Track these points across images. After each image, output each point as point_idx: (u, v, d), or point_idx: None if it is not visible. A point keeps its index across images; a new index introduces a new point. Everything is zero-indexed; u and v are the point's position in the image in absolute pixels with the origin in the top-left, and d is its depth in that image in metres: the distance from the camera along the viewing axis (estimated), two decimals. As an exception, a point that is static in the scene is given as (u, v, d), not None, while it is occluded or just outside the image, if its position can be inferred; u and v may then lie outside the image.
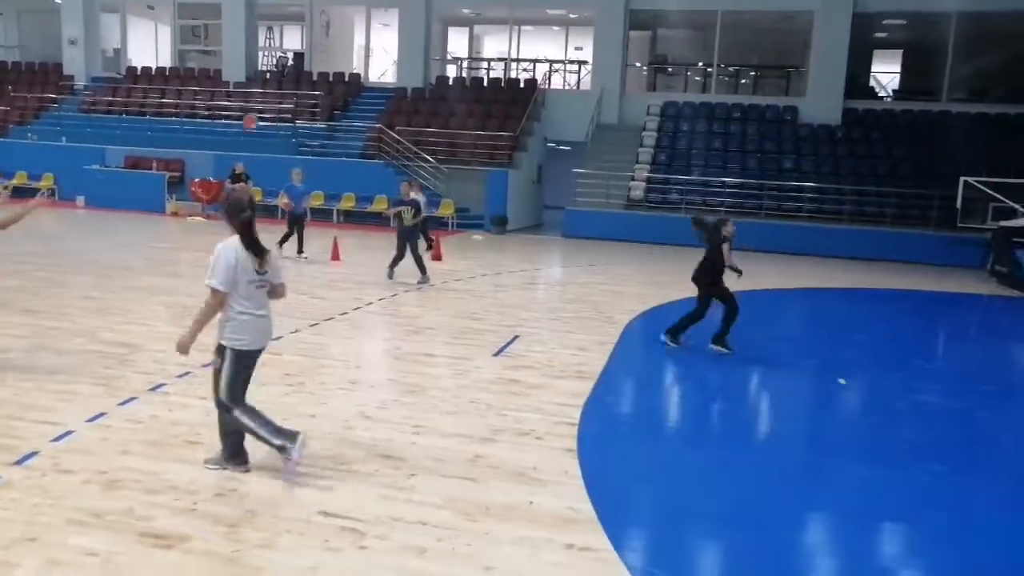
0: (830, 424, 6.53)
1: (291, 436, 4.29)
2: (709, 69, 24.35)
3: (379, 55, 28.59)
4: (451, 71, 27.63)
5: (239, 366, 4.34)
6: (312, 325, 8.35)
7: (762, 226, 19.17)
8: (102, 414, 5.24)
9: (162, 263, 12.24)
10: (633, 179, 20.70)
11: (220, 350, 4.37)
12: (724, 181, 20.12)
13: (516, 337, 8.33)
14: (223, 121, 23.48)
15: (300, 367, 6.69)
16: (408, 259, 11.25)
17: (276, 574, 3.38)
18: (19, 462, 4.38)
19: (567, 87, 26.08)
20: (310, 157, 21.91)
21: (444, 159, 21.16)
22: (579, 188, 20.90)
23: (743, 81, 25.49)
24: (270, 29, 29.53)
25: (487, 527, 3.94)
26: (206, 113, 23.95)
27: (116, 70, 27.82)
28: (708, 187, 20.13)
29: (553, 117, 23.97)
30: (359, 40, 28.07)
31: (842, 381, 7.27)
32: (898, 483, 4.96)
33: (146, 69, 27.19)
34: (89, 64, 27.35)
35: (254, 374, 4.56)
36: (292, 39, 29.29)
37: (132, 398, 5.60)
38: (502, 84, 24.72)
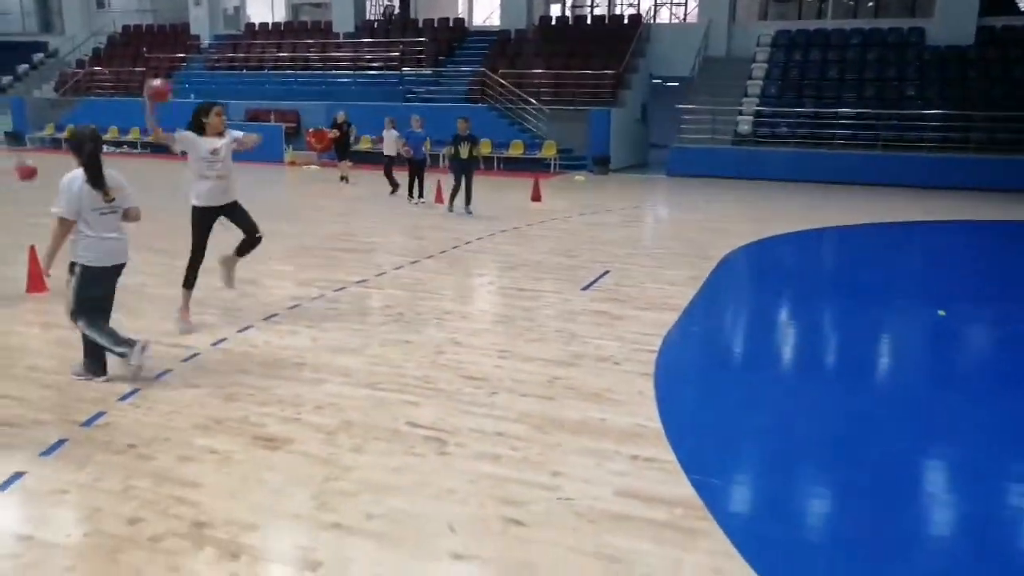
0: (923, 359, 6.39)
1: (130, 343, 4.78)
2: (826, -8, 22.96)
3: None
4: (555, 11, 27.33)
5: (85, 280, 4.78)
6: (412, 263, 8.83)
7: (879, 158, 18.25)
8: (223, 339, 5.88)
9: (278, 209, 13.06)
10: (741, 113, 20.04)
11: (71, 266, 4.86)
12: (837, 112, 19.13)
13: (607, 272, 8.51)
14: (334, 72, 24.31)
15: (398, 300, 7.16)
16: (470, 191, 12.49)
17: (365, 472, 3.81)
18: (157, 377, 5.03)
19: (674, 20, 25.29)
20: (416, 104, 22.46)
21: (547, 100, 21.16)
22: (684, 125, 20.46)
23: (867, 3, 23.86)
24: (377, -22, 30.04)
25: (558, 439, 4.24)
26: (318, 65, 24.85)
27: (236, 27, 29.18)
28: (820, 119, 19.22)
29: (659, 53, 23.40)
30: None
31: (942, 313, 7.04)
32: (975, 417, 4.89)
33: (263, 25, 28.40)
34: (213, 23, 28.84)
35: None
36: (398, -13, 29.68)
37: (249, 326, 6.22)
38: (605, 21, 24.26)
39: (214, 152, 5.83)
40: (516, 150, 20.81)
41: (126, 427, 4.29)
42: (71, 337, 5.30)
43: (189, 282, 6.08)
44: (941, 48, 20.24)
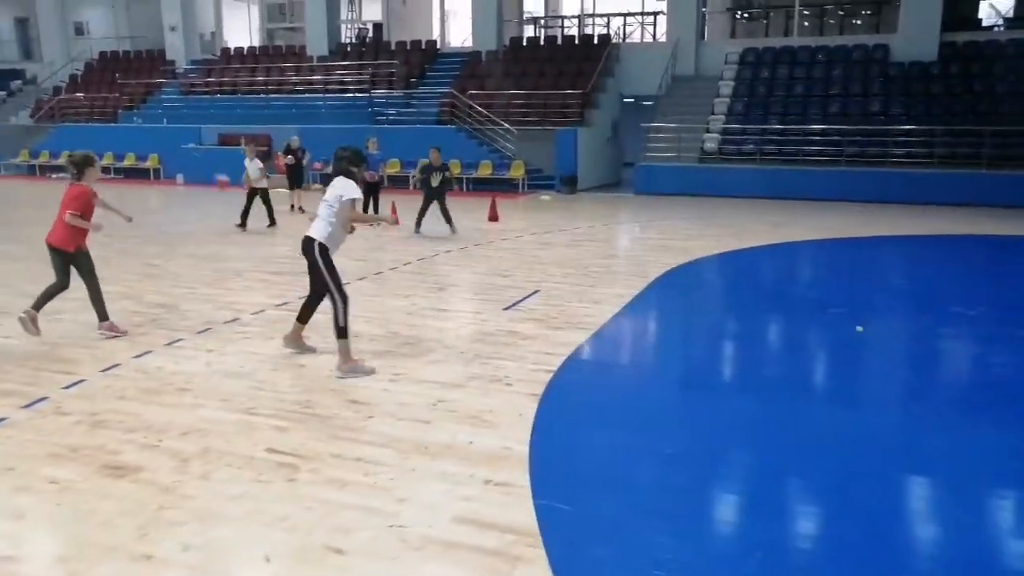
0: (835, 370, 6.30)
1: None
2: (792, 10, 23.11)
3: (461, 20, 28.80)
4: (529, 31, 27.50)
5: None
6: (344, 284, 8.73)
7: (844, 174, 18.27)
8: (116, 365, 5.78)
9: (229, 232, 13.00)
10: (708, 131, 20.08)
11: None
12: (803, 128, 19.18)
13: (536, 292, 8.43)
14: (305, 95, 24.39)
15: (312, 323, 7.04)
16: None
17: (201, 501, 3.71)
18: (27, 406, 4.93)
19: (646, 40, 25.45)
20: (386, 126, 22.52)
21: (516, 120, 21.20)
22: (650, 143, 20.51)
23: (830, 21, 24.05)
24: (352, 1, 30.21)
25: (417, 464, 4.14)
26: (290, 88, 24.93)
27: (212, 52, 29.31)
28: (786, 135, 19.26)
29: (629, 72, 23.49)
30: (440, 6, 28.34)
31: (860, 329, 6.97)
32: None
33: (239, 50, 28.52)
34: (188, 48, 28.96)
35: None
36: (373, 10, 29.85)
37: (147, 351, 6.13)
38: (576, 42, 24.39)
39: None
40: (485, 170, 20.82)
41: (-25, 458, 4.19)
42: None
43: (347, 331, 5.58)
44: (905, 64, 20.34)
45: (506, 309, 7.63)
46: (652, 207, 17.32)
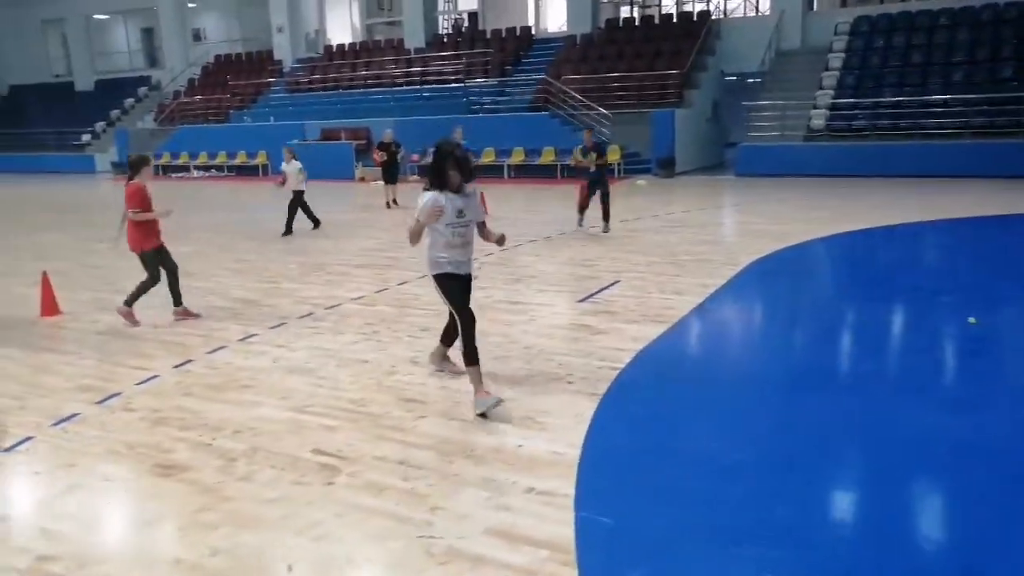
0: (936, 369, 5.67)
1: None
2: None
3: (559, 4, 28.39)
4: (626, 12, 26.81)
5: None
6: (422, 277, 8.71)
7: (967, 147, 16.78)
8: (189, 361, 5.92)
9: (324, 226, 13.29)
10: (815, 107, 18.92)
11: None
12: (922, 99, 17.74)
13: (616, 282, 8.11)
14: (401, 87, 24.71)
15: (384, 316, 7.06)
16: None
17: (239, 504, 3.68)
18: (100, 401, 5.09)
19: (748, 14, 24.27)
20: (480, 115, 22.52)
21: (611, 104, 20.70)
22: (753, 122, 19.54)
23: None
24: (449, -8, 30.39)
25: (460, 468, 3.97)
26: (389, 81, 25.33)
27: (316, 51, 30.21)
28: (902, 108, 17.88)
29: (730, 49, 22.51)
30: (534, -8, 28.09)
31: (973, 320, 6.27)
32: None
33: (340, 46, 29.26)
34: (295, 48, 29.97)
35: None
36: (470, 0, 29.89)
37: (222, 347, 6.25)
38: (673, 20, 23.56)
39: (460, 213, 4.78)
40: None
41: (42, 454, 4.34)
42: None
43: (472, 356, 4.73)
44: (1043, 23, 18.45)
45: (580, 301, 7.36)
46: (753, 189, 16.49)
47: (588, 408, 4.71)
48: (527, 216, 12.52)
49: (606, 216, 11.35)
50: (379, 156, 16.15)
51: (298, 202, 12.46)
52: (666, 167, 19.55)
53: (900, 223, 11.51)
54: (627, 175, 19.80)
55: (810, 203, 13.98)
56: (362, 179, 22.21)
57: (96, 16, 35.38)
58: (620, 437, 4.38)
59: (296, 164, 12.39)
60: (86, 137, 31.60)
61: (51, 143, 32.09)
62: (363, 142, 23.49)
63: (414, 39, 26.87)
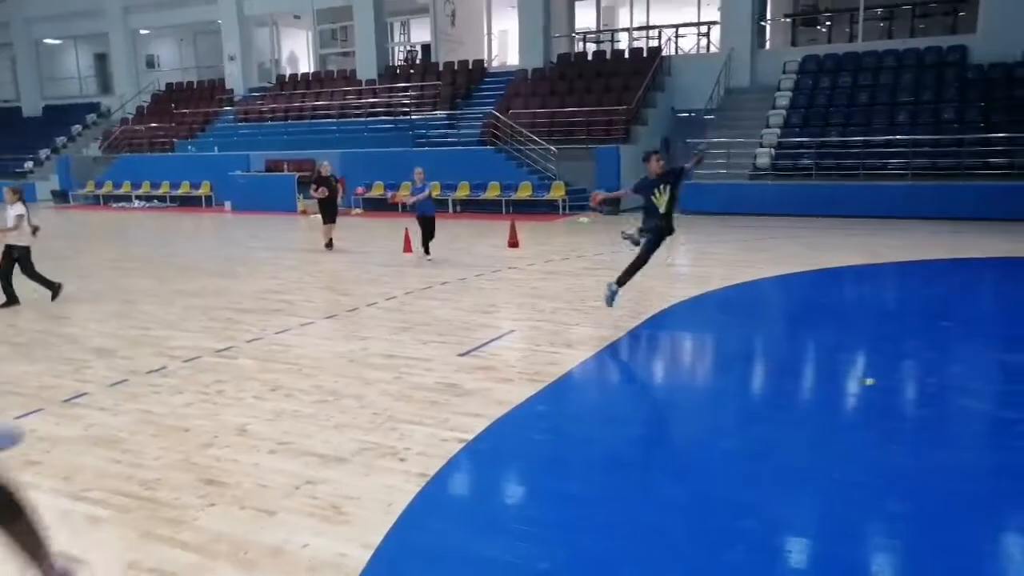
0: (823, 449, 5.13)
1: None
2: (857, 14, 21.41)
3: (511, 39, 28.20)
4: (579, 47, 26.63)
5: None
6: (304, 324, 8.10)
7: (909, 188, 16.57)
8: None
9: (231, 263, 12.62)
10: (761, 145, 18.68)
11: None
12: (866, 140, 17.56)
13: (510, 332, 7.56)
14: (350, 119, 24.24)
15: (239, 372, 6.41)
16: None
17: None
18: None
19: (700, 51, 24.17)
20: (427, 148, 22.07)
21: (558, 140, 20.35)
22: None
23: (900, 23, 22.20)
24: (403, 24, 30.09)
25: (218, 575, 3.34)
26: (337, 112, 24.84)
27: (268, 80, 29.71)
28: (847, 148, 17.70)
29: (681, 85, 22.32)
30: (487, 26, 27.85)
31: (869, 382, 5.77)
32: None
33: (292, 76, 28.79)
34: (246, 77, 29.45)
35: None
36: (423, 33, 29.63)
37: (37, 410, 5.56)
38: (625, 56, 23.38)
39: None
40: (524, 192, 20.03)
41: None
42: None
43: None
44: (985, 67, 18.42)
45: (462, 355, 6.77)
46: (693, 228, 16.08)
47: (407, 495, 4.09)
48: (455, 255, 11.96)
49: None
50: (317, 194, 14.04)
51: (20, 262, 9.20)
52: (611, 204, 19.13)
53: (833, 266, 11.11)
54: (572, 212, 19.38)
55: (745, 244, 13.57)
56: (303, 212, 21.58)
57: (47, 40, 34.65)
58: (423, 537, 3.75)
59: (20, 208, 9.07)
60: (28, 164, 30.71)
61: (-8, 169, 31.17)
62: (307, 173, 22.89)
63: (366, 71, 26.48)
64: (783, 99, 19.81)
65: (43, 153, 31.08)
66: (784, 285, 10.08)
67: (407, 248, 13.27)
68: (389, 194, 12.57)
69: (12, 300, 9.24)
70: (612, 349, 6.97)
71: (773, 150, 18.45)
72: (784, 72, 20.60)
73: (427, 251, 12.22)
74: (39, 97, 34.83)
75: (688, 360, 7.10)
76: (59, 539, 3.68)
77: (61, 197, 27.84)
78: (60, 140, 31.83)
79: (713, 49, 23.12)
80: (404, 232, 13.51)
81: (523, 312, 8.51)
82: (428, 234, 12.24)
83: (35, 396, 5.88)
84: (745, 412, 5.58)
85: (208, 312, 8.81)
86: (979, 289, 10.23)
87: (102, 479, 4.37)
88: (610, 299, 7.92)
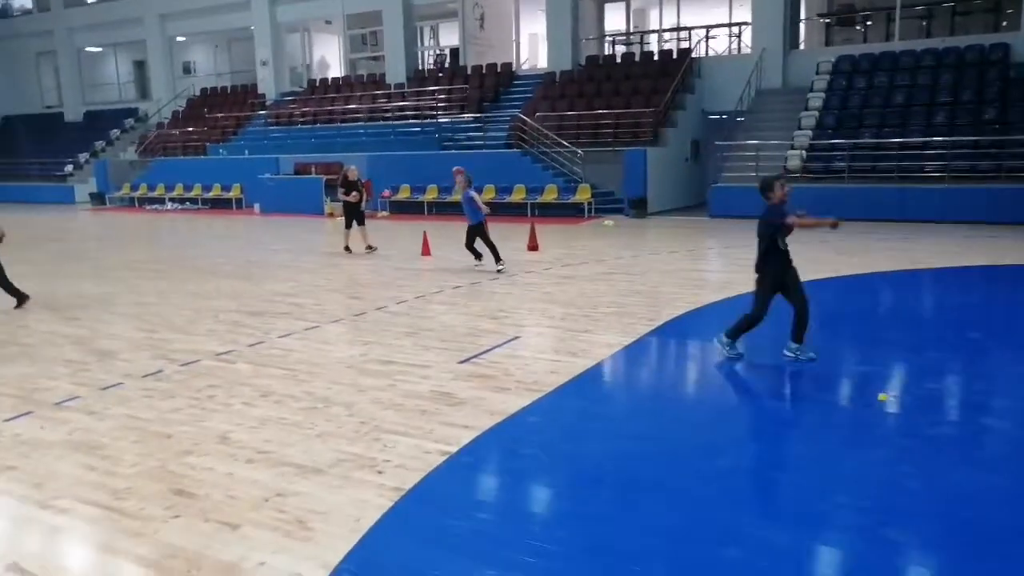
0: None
1: None
2: (894, 12, 20.79)
3: (541, 42, 28.01)
4: (609, 50, 26.36)
5: None
6: (309, 328, 7.99)
7: (947, 191, 15.99)
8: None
9: (250, 266, 12.61)
10: (792, 147, 18.20)
11: None
12: (902, 142, 16.98)
13: (514, 339, 7.35)
14: (378, 123, 24.27)
15: (236, 377, 6.31)
16: None
17: None
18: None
19: (731, 53, 23.71)
20: (453, 151, 21.98)
21: (585, 143, 20.10)
22: (727, 162, 18.86)
23: (939, 21, 21.50)
24: (432, 28, 30.09)
25: (166, 596, 3.20)
26: (367, 116, 24.90)
27: (299, 85, 29.95)
28: (881, 150, 17.14)
29: (712, 87, 21.90)
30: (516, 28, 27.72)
31: (883, 397, 5.45)
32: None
33: (323, 81, 28.97)
34: (278, 82, 29.71)
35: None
36: (452, 36, 29.61)
37: (26, 413, 5.52)
38: (655, 58, 23.03)
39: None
40: (550, 195, 19.80)
41: None
42: None
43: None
44: (1028, 65, 17.73)
45: (462, 362, 6.58)
46: (722, 232, 15.73)
47: (377, 511, 3.92)
48: (473, 259, 11.74)
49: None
50: (352, 197, 13.52)
51: None
52: (638, 207, 18.83)
53: (865, 272, 10.69)
54: (598, 215, 19.10)
55: (773, 249, 13.15)
56: (331, 214, 21.62)
57: (88, 48, 35.43)
58: (385, 557, 3.56)
59: None
60: (69, 167, 31.38)
61: (36, 173, 31.91)
62: (335, 176, 22.97)
63: (395, 74, 26.52)
64: (816, 100, 19.28)
65: (82, 157, 31.73)
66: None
67: (425, 251, 13.16)
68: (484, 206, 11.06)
69: (21, 298, 9.29)
70: (618, 357, 6.73)
71: (804, 152, 17.95)
72: (817, 73, 20.06)
73: (497, 259, 11.22)
74: (81, 103, 35.59)
75: (696, 371, 6.82)
76: (16, 549, 3.60)
77: (98, 199, 28.35)
78: (99, 144, 32.47)
79: (745, 50, 22.64)
80: (423, 235, 13.39)
81: (532, 318, 8.30)
82: (485, 240, 11.23)
83: (27, 398, 5.84)
84: (747, 430, 5.30)
85: (217, 315, 8.76)
86: (1015, 298, 9.74)
87: (74, 487, 4.28)
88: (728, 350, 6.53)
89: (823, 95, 19.34)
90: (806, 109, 19.15)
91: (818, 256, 12.09)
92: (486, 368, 6.40)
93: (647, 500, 4.04)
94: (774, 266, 6.29)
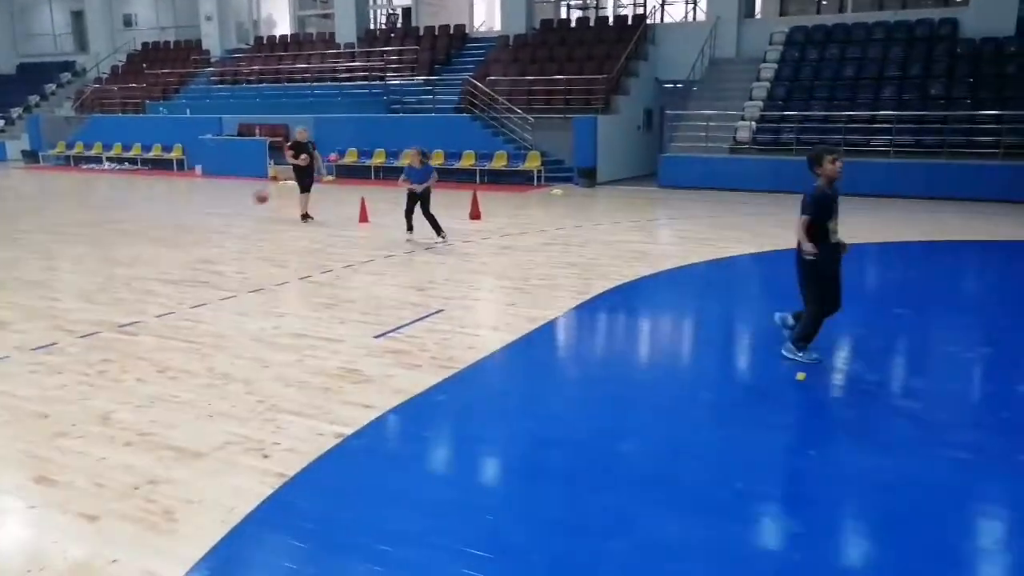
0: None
1: None
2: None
3: (497, 3, 27.36)
4: (564, 13, 25.85)
5: None
6: (224, 299, 7.63)
7: (891, 166, 16.06)
8: None
9: (179, 231, 12.10)
10: (743, 119, 18.08)
11: None
12: (850, 115, 16.98)
13: (438, 312, 7.09)
14: (324, 84, 23.53)
15: (132, 350, 5.95)
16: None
17: None
18: None
19: (686, 20, 23.43)
20: (401, 115, 21.45)
21: (535, 109, 19.72)
22: (677, 132, 18.68)
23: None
24: (385, -13, 29.20)
25: (-3, 600, 2.92)
26: (313, 77, 24.12)
27: (246, 42, 28.88)
28: (830, 122, 17.12)
29: (666, 55, 21.61)
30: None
31: (801, 376, 5.34)
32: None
33: (271, 38, 27.96)
34: (224, 38, 28.59)
35: None
36: (406, -6, 28.75)
37: None
38: (609, 23, 22.64)
39: None
40: (499, 161, 19.44)
41: None
42: None
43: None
44: (976, 41, 17.79)
45: (377, 337, 6.31)
46: (669, 203, 15.58)
47: (254, 499, 3.66)
48: (416, 226, 11.34)
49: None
50: (299, 161, 12.74)
51: None
52: (587, 176, 18.59)
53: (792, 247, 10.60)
54: (547, 183, 18.82)
55: (721, 220, 13.05)
56: (274, 178, 20.95)
57: (21, -5, 33.69)
58: (252, 553, 3.31)
59: None
60: (0, 123, 29.95)
61: (-37, 128, 30.43)
62: (280, 139, 22.26)
63: (346, 34, 25.68)
64: (768, 71, 19.17)
65: (15, 112, 30.28)
66: (737, 265, 9.60)
67: (363, 217, 12.77)
68: (400, 179, 10.63)
69: None
70: (540, 333, 6.52)
71: (755, 123, 17.86)
72: (771, 43, 19.92)
73: (438, 231, 10.75)
74: (13, 55, 33.88)
75: (616, 348, 6.64)
76: None
77: (31, 157, 27.16)
78: (33, 99, 30.99)
79: (700, 17, 22.37)
80: (360, 201, 13.00)
81: (459, 290, 8.04)
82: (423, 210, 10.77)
83: (-99, 374, 5.43)
84: (660, 409, 5.14)
85: (130, 283, 8.33)
86: (947, 273, 9.77)
87: (-71, 472, 3.94)
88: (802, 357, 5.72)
89: (775, 66, 19.23)
90: (758, 80, 19.03)
91: (763, 230, 12.01)
92: (401, 343, 6.14)
93: (544, 488, 3.85)
94: (825, 255, 5.64)
